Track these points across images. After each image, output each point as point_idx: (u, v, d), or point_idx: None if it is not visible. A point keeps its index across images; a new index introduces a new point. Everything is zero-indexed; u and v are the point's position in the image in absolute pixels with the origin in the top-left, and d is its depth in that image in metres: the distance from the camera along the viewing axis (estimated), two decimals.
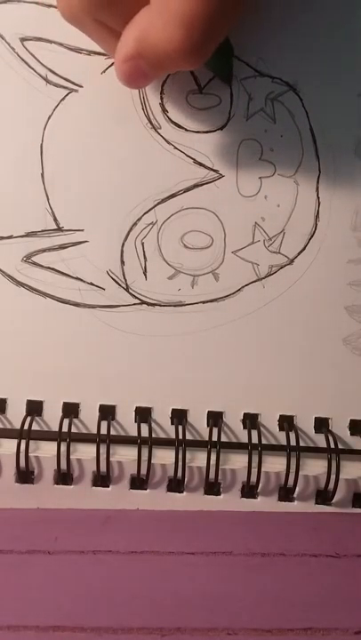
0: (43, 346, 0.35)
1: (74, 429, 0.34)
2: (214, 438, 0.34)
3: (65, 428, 0.34)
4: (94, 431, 0.34)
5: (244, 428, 0.35)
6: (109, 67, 0.34)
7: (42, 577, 0.31)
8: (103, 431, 0.34)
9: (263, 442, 0.34)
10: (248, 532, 0.34)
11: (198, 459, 0.35)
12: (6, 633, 0.29)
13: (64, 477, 0.34)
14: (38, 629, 0.29)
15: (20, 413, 0.35)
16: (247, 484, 0.35)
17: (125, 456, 0.34)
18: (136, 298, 0.35)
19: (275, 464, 0.35)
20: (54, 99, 0.34)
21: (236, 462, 0.35)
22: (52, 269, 0.35)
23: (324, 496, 0.35)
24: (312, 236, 0.35)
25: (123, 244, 0.35)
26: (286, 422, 0.35)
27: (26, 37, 0.33)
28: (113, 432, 0.34)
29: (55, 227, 0.34)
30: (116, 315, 0.35)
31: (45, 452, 0.34)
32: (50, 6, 0.33)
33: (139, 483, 0.35)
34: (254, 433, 0.35)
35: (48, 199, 0.34)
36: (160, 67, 0.29)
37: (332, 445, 0.34)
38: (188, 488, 0.35)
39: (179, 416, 0.35)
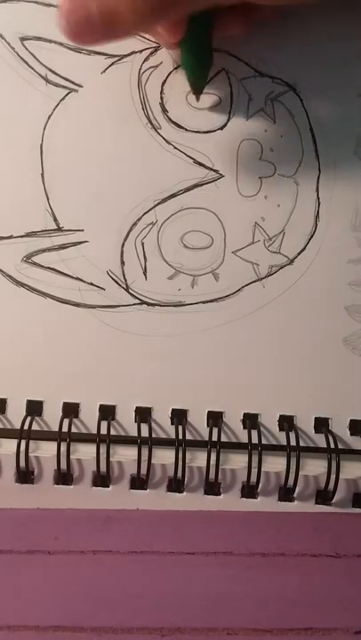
0: (43, 346, 0.35)
1: (74, 429, 0.34)
2: (214, 438, 0.34)
3: (65, 428, 0.34)
4: (94, 431, 0.34)
5: (244, 428, 0.35)
6: (109, 67, 0.34)
7: (42, 577, 0.31)
8: (103, 431, 0.34)
9: (263, 442, 0.34)
10: (248, 532, 0.34)
11: (198, 459, 0.35)
12: (6, 633, 0.29)
13: (64, 477, 0.34)
14: (38, 629, 0.29)
15: (20, 413, 0.35)
16: (247, 484, 0.35)
17: (125, 456, 0.34)
18: (136, 298, 0.35)
19: (275, 464, 0.35)
20: (54, 98, 0.34)
21: (236, 462, 0.35)
22: (52, 269, 0.35)
23: (324, 496, 0.35)
24: (312, 236, 0.35)
25: (123, 244, 0.35)
26: (286, 422, 0.35)
27: (26, 37, 0.33)
28: (113, 432, 0.34)
29: (55, 227, 0.34)
30: (116, 315, 0.35)
31: (45, 451, 0.34)
32: (49, 5, 0.33)
33: (139, 483, 0.35)
34: (254, 433, 0.35)
35: (48, 199, 0.34)
36: (108, 18, 0.26)
37: (332, 445, 0.34)
38: (188, 488, 0.35)
39: (179, 416, 0.35)
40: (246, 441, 0.34)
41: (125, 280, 0.35)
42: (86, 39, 0.28)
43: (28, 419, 0.34)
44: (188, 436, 0.35)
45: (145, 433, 0.34)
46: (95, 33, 0.27)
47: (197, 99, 0.34)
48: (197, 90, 0.33)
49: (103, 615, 0.29)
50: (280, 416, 0.35)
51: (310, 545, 0.33)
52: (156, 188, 0.34)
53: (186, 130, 0.34)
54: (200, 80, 0.33)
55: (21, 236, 0.34)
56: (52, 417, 0.35)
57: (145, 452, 0.34)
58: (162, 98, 0.34)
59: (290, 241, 0.35)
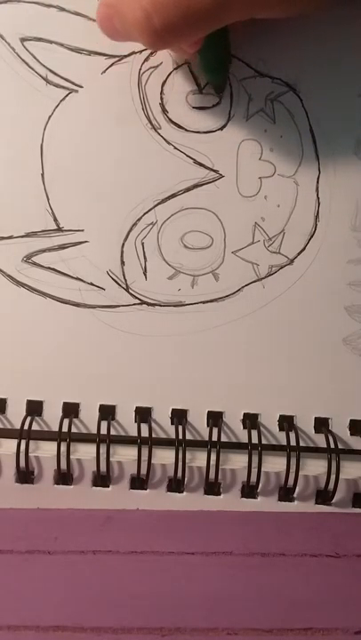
0: (43, 346, 0.35)
1: (74, 429, 0.34)
2: (214, 438, 0.34)
3: (65, 428, 0.34)
4: (94, 431, 0.34)
5: (244, 427, 0.35)
6: (109, 67, 0.34)
7: (42, 577, 0.31)
8: (103, 431, 0.34)
9: (263, 442, 0.34)
10: (248, 532, 0.34)
11: (198, 459, 0.35)
12: (6, 633, 0.29)
13: (64, 477, 0.34)
14: (38, 629, 0.29)
15: (20, 413, 0.35)
16: (247, 484, 0.35)
17: (125, 456, 0.34)
18: (136, 298, 0.35)
19: (275, 464, 0.35)
20: (54, 99, 0.34)
21: (236, 462, 0.35)
22: (52, 269, 0.35)
23: (324, 496, 0.35)
24: (312, 236, 0.35)
25: (123, 244, 0.35)
26: (286, 422, 0.35)
27: (26, 37, 0.33)
28: (113, 432, 0.34)
29: (55, 227, 0.34)
30: (116, 315, 0.35)
31: (45, 451, 0.34)
32: (50, 6, 0.33)
33: (139, 483, 0.35)
34: (254, 433, 0.35)
35: (48, 199, 0.34)
36: (125, 31, 0.30)
37: (333, 445, 0.34)
38: (188, 488, 0.35)
39: (179, 416, 0.35)
40: (246, 441, 0.34)
41: (125, 280, 0.35)
42: (119, 41, 0.32)
43: (28, 419, 0.34)
44: (188, 436, 0.35)
45: (145, 433, 0.34)
46: (124, 39, 0.31)
47: (219, 96, 0.34)
48: (220, 88, 0.34)
49: (103, 615, 0.29)
50: (280, 416, 0.35)
51: (310, 545, 0.33)
52: (156, 188, 0.34)
53: (186, 130, 0.34)
54: (222, 80, 0.33)
55: (21, 237, 0.34)
56: (52, 417, 0.35)
57: (145, 452, 0.34)
58: (162, 98, 0.34)
59: (290, 241, 0.35)
